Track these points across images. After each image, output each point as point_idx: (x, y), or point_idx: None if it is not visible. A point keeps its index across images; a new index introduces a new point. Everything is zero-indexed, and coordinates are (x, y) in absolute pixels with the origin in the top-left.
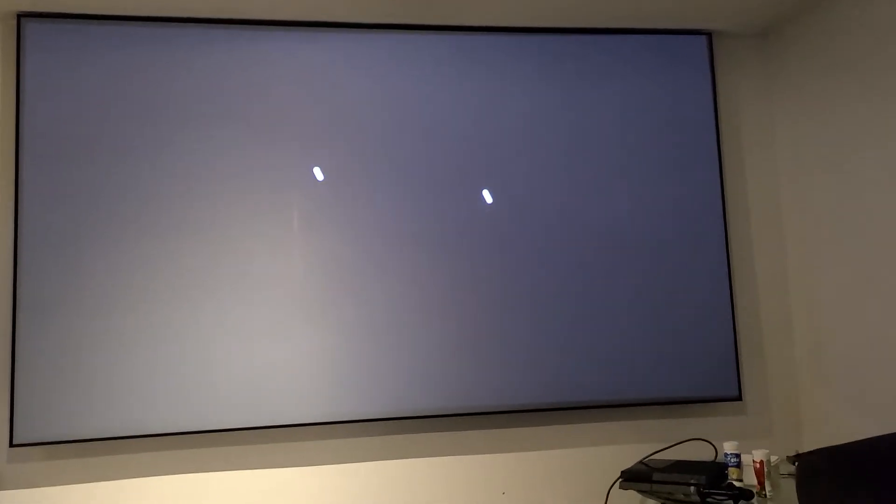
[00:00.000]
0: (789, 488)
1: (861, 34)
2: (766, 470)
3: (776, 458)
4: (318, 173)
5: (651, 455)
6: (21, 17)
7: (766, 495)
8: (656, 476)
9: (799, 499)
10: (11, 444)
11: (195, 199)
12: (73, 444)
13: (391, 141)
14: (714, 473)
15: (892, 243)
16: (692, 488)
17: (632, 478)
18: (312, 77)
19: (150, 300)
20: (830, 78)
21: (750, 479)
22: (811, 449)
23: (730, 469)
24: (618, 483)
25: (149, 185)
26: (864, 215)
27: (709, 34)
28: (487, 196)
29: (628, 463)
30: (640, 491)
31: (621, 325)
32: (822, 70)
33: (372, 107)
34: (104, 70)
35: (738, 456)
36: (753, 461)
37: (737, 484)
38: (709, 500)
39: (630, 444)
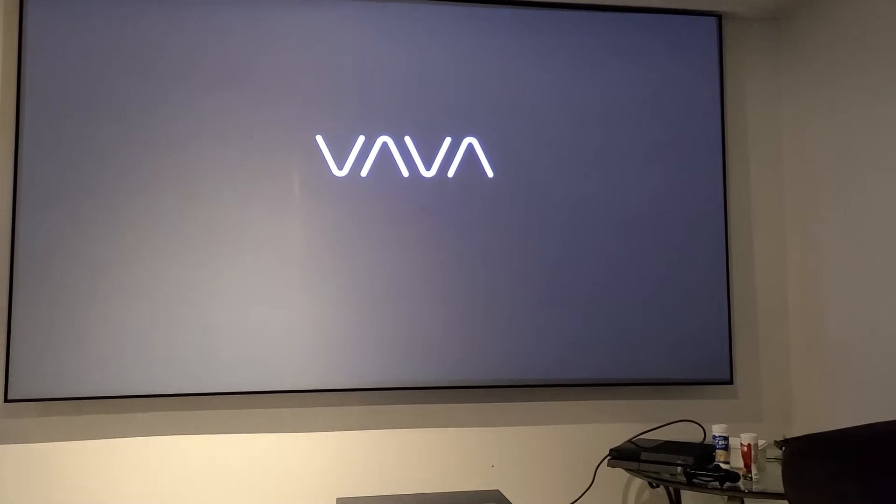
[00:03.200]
0: (775, 472)
1: (875, 24)
2: (753, 453)
3: (764, 442)
4: (320, 139)
5: (640, 434)
6: None
7: (751, 478)
8: (644, 455)
9: (784, 483)
10: (6, 400)
11: (196, 159)
12: (67, 401)
13: (394, 108)
14: (701, 455)
15: (892, 233)
16: (679, 468)
17: (620, 456)
18: (316, 41)
19: (146, 259)
20: (840, 67)
21: (737, 462)
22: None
23: (717, 451)
24: (606, 461)
25: (149, 142)
26: (866, 205)
27: (719, 16)
28: (489, 170)
29: (618, 441)
30: (627, 469)
31: (617, 305)
32: (832, 58)
33: (375, 73)
34: (106, 26)
35: (726, 439)
36: (741, 444)
37: (723, 466)
38: (695, 480)
39: (620, 423)
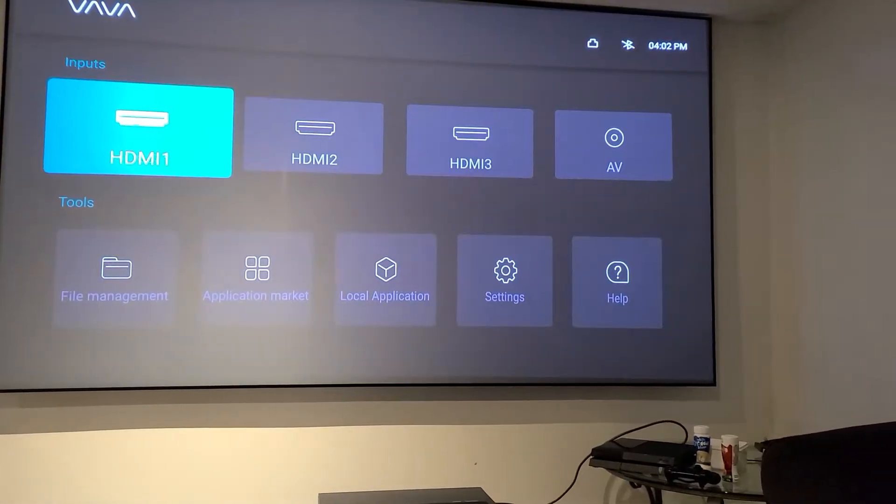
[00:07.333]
0: (756, 474)
1: (863, 30)
2: (733, 455)
3: (745, 444)
4: (314, 132)
5: (622, 434)
6: None
7: (731, 480)
8: (626, 455)
9: (763, 484)
10: None
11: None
12: (49, 392)
13: (388, 104)
14: (682, 456)
15: (876, 239)
16: (660, 469)
17: (602, 456)
18: (309, 35)
19: (131, 251)
20: (828, 72)
21: (718, 463)
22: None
23: (698, 452)
24: (588, 460)
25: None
26: (851, 209)
27: (709, 19)
28: (481, 164)
29: (600, 441)
30: (609, 469)
31: (602, 305)
32: (819, 63)
33: (370, 67)
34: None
35: (707, 440)
36: (722, 446)
37: (704, 467)
38: (676, 481)
39: (602, 423)
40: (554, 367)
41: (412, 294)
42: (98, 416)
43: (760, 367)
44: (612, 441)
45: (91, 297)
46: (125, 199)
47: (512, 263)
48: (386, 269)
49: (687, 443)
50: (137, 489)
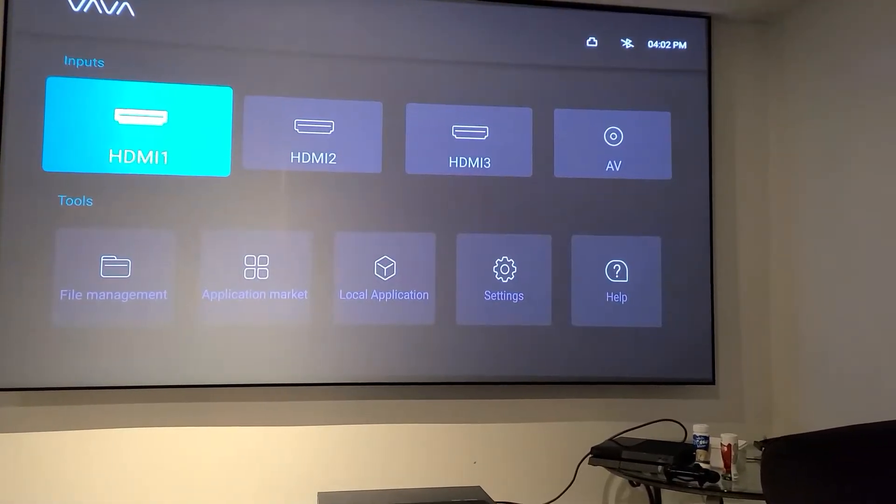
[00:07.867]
0: (755, 473)
1: (862, 30)
2: (733, 454)
3: (744, 442)
4: (314, 131)
5: (622, 433)
6: None
7: (731, 478)
8: (625, 454)
9: (762, 483)
10: None
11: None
12: (48, 391)
13: (388, 101)
14: (682, 454)
15: (875, 239)
16: (659, 467)
17: (602, 454)
18: (309, 33)
19: (129, 249)
20: (826, 71)
21: (717, 462)
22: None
23: (698, 451)
24: (588, 459)
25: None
26: (850, 209)
27: (708, 17)
28: (473, 164)
29: (599, 439)
30: (608, 468)
31: (602, 303)
32: (818, 63)
33: (370, 65)
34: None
35: (706, 438)
36: (721, 444)
37: (703, 466)
38: (675, 479)
39: (602, 422)
40: (553, 366)
41: (411, 293)
42: (97, 414)
43: (760, 366)
44: (611, 440)
45: (90, 295)
46: (124, 198)
47: (511, 262)
48: (385, 268)
49: (686, 441)
50: (136, 488)
